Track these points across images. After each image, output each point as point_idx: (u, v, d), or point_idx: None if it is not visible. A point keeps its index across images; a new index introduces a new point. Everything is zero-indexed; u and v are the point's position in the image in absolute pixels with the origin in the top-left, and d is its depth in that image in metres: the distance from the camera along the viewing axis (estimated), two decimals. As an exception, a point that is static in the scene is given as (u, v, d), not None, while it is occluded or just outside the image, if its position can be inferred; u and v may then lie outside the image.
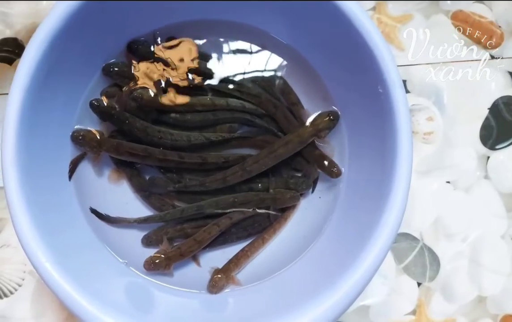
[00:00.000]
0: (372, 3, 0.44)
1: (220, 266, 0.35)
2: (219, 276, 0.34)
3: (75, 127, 0.36)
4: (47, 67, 0.30)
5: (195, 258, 0.36)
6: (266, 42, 0.38)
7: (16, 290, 0.38)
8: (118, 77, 0.37)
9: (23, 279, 0.39)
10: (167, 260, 0.34)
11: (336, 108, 0.37)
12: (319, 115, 0.37)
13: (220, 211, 0.36)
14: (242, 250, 0.36)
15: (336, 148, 0.37)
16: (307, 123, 0.37)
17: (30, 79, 0.29)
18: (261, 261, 0.36)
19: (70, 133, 0.35)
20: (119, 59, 0.37)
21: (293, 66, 0.38)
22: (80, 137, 0.35)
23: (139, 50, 0.37)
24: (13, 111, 0.29)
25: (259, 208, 0.36)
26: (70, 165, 0.35)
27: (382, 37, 0.31)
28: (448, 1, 0.44)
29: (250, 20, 0.37)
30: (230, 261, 0.35)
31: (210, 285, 0.34)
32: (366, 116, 0.34)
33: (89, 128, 0.36)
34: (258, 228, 0.37)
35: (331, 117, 0.36)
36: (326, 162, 0.36)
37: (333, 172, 0.36)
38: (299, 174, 0.38)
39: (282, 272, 0.35)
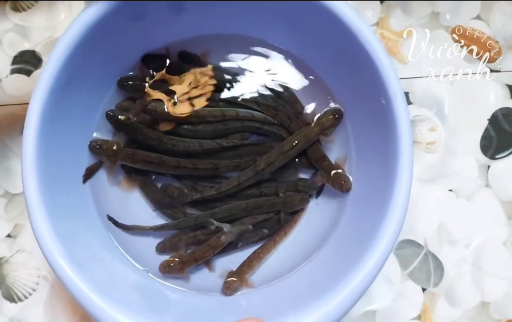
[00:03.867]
0: (376, 19, 0.46)
1: (234, 269, 0.36)
2: (233, 279, 0.35)
3: (93, 136, 0.37)
4: (66, 77, 0.32)
5: (208, 263, 0.37)
6: (274, 54, 0.39)
7: (30, 294, 0.39)
8: (132, 91, 0.38)
9: (37, 284, 0.39)
10: (181, 264, 0.35)
11: (339, 106, 0.38)
12: (324, 113, 0.38)
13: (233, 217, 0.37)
14: (254, 252, 0.37)
15: (345, 155, 0.38)
16: (313, 122, 0.38)
17: (50, 89, 0.31)
18: (272, 264, 0.37)
19: (88, 142, 0.37)
20: (135, 71, 0.38)
21: (300, 76, 0.39)
22: (97, 147, 0.37)
23: (153, 63, 0.38)
24: (33, 119, 0.30)
25: (271, 212, 0.38)
26: (85, 172, 0.37)
27: (385, 50, 0.32)
28: (448, 17, 0.46)
29: (259, 34, 0.39)
30: (243, 264, 0.36)
31: (224, 287, 0.35)
32: (371, 127, 0.35)
33: (105, 138, 0.37)
34: (269, 232, 0.38)
35: (336, 115, 0.38)
36: (335, 175, 0.37)
37: (342, 186, 0.36)
38: (307, 177, 0.39)
39: (292, 273, 0.36)
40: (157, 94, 0.38)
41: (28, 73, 0.44)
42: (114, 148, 0.37)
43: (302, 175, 0.39)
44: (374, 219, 0.31)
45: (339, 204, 0.37)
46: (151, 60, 0.38)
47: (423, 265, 0.41)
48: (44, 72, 0.31)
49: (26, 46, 0.44)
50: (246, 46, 0.39)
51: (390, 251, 0.30)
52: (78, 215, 0.34)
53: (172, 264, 0.35)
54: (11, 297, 0.39)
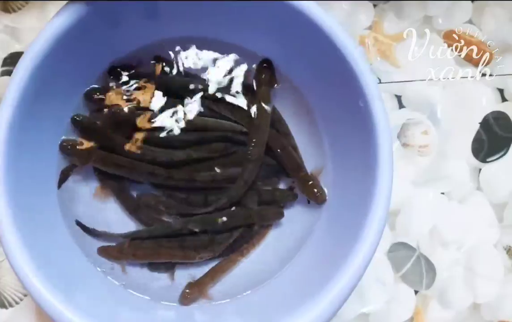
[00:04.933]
0: (369, 22, 0.46)
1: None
2: (192, 289, 0.34)
3: (63, 137, 0.35)
4: (35, 87, 0.30)
5: (172, 272, 0.36)
6: (247, 59, 0.38)
7: (21, 299, 0.39)
8: (99, 104, 0.37)
9: (28, 289, 0.39)
10: (119, 253, 0.35)
11: (267, 58, 0.37)
12: (258, 72, 0.38)
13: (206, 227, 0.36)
14: (219, 263, 0.36)
15: (320, 164, 0.37)
16: (256, 86, 0.37)
17: (18, 98, 0.30)
18: (238, 276, 0.36)
19: (59, 143, 0.35)
20: (102, 80, 0.37)
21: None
22: (69, 147, 0.35)
23: (120, 75, 0.37)
24: (1, 129, 0.29)
25: (245, 225, 0.36)
26: (60, 175, 0.35)
27: (361, 52, 0.32)
28: (440, 21, 0.46)
29: (234, 39, 0.37)
30: (206, 275, 0.35)
31: (182, 297, 0.34)
32: (349, 132, 0.34)
33: (78, 139, 0.36)
34: (241, 242, 0.36)
35: (265, 64, 0.37)
36: (310, 186, 0.36)
37: (317, 198, 0.36)
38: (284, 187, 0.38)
39: (259, 287, 0.35)
40: (119, 100, 0.37)
41: (18, 75, 0.43)
42: (86, 149, 0.35)
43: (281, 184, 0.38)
44: (355, 225, 0.30)
45: (314, 214, 0.36)
46: (118, 72, 0.37)
47: (416, 267, 0.41)
48: (12, 82, 0.30)
49: (17, 47, 0.44)
50: (219, 50, 0.38)
51: (370, 258, 0.29)
52: (50, 227, 0.33)
53: (110, 251, 0.34)
54: (1, 303, 0.38)
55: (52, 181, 0.35)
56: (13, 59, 0.43)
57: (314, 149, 0.38)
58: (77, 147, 0.35)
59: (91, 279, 0.34)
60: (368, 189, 0.30)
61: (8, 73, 0.43)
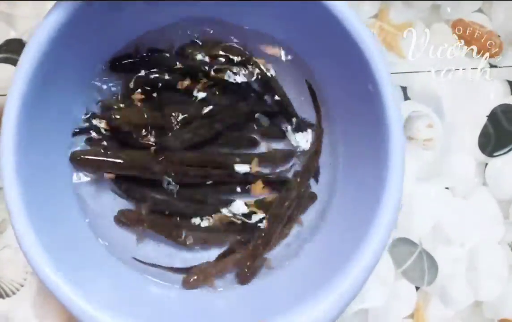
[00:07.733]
0: (375, 10, 0.44)
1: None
2: (196, 274, 0.34)
3: (71, 150, 0.35)
4: (40, 79, 0.30)
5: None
6: (258, 41, 0.38)
7: (18, 290, 0.39)
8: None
9: (25, 279, 0.39)
10: (139, 220, 0.35)
11: None
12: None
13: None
14: (233, 256, 0.35)
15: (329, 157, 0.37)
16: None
17: (28, 84, 0.29)
18: None
19: (66, 146, 0.35)
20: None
21: (285, 66, 0.38)
22: (79, 158, 0.35)
23: (123, 67, 0.37)
24: (11, 118, 0.29)
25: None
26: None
27: (372, 36, 0.31)
28: (449, 10, 0.44)
29: (241, 21, 0.37)
30: (214, 264, 0.35)
31: (184, 279, 0.34)
32: (359, 117, 0.34)
33: (87, 149, 0.36)
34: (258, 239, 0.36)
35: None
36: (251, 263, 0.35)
37: (242, 274, 0.34)
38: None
39: (266, 278, 0.35)
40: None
41: (14, 62, 0.42)
42: (96, 158, 0.35)
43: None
44: (364, 217, 0.30)
45: (321, 212, 0.36)
46: (120, 64, 0.36)
47: (417, 263, 0.40)
48: (20, 67, 0.29)
49: (13, 34, 0.43)
50: (221, 32, 0.37)
51: (378, 258, 0.29)
52: (61, 217, 0.33)
53: (130, 216, 0.35)
54: (-1, 293, 0.39)
55: (64, 167, 0.35)
56: (8, 46, 0.42)
57: (326, 145, 0.38)
58: (87, 156, 0.35)
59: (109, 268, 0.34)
60: (381, 168, 0.30)
61: (5, 60, 0.42)
